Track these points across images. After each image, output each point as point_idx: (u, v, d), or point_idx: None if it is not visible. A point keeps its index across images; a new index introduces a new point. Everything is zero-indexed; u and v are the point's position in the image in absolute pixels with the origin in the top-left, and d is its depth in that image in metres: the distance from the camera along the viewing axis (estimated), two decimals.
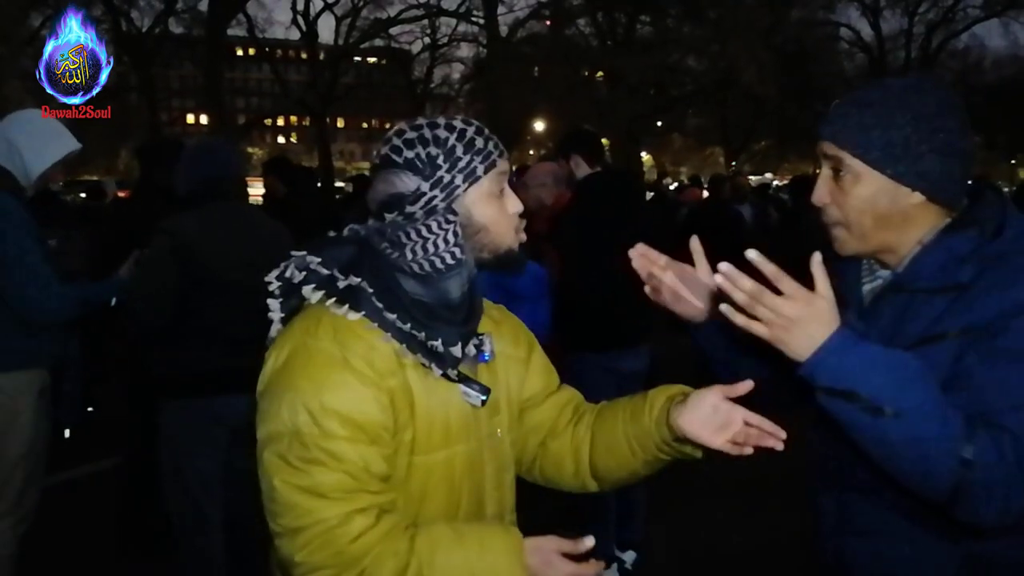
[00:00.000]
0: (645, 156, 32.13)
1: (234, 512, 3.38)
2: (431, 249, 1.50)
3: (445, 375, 1.50)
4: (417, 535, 1.39)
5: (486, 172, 1.51)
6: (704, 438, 1.52)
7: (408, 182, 1.49)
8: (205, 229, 3.18)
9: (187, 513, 3.29)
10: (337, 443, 1.38)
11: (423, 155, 1.49)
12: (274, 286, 1.53)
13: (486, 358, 1.63)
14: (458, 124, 1.53)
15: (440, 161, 1.48)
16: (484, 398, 1.55)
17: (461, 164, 1.49)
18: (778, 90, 24.61)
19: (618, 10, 26.91)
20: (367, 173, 14.06)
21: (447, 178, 1.49)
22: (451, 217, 1.50)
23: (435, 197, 1.49)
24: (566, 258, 3.92)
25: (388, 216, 1.51)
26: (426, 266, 1.50)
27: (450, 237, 1.50)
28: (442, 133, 1.50)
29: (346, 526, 1.36)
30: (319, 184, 16.01)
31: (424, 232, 1.50)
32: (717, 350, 1.83)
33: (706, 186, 12.02)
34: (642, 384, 3.91)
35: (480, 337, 1.61)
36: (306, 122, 40.65)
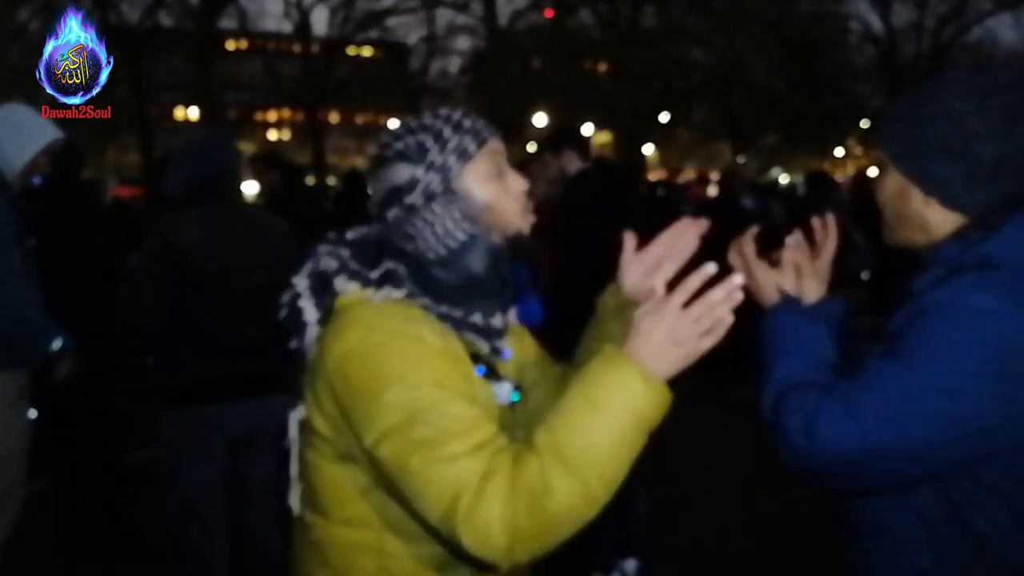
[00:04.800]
0: (650, 151, 31.75)
1: (237, 520, 3.32)
2: (440, 232, 1.50)
3: (488, 373, 1.52)
4: (538, 433, 1.33)
5: (478, 148, 1.52)
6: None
7: (402, 172, 1.50)
8: (200, 231, 3.09)
9: (187, 522, 3.20)
10: (454, 405, 1.35)
11: (412, 143, 1.50)
12: (303, 285, 1.51)
13: (507, 356, 1.62)
14: (444, 112, 1.56)
15: (429, 145, 1.50)
16: (516, 394, 1.58)
17: (451, 145, 1.50)
18: (786, 83, 24.50)
19: (622, 0, 26.63)
20: (358, 168, 13.50)
21: (439, 160, 1.49)
22: (451, 197, 1.50)
23: (431, 181, 1.50)
24: (559, 256, 3.89)
25: (390, 214, 1.52)
26: (441, 250, 1.50)
27: (456, 214, 1.50)
28: (428, 121, 1.53)
29: (488, 468, 1.30)
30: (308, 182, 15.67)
31: (429, 217, 1.50)
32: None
33: (717, 181, 11.77)
34: None
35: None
36: (299, 117, 40.13)
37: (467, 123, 1.53)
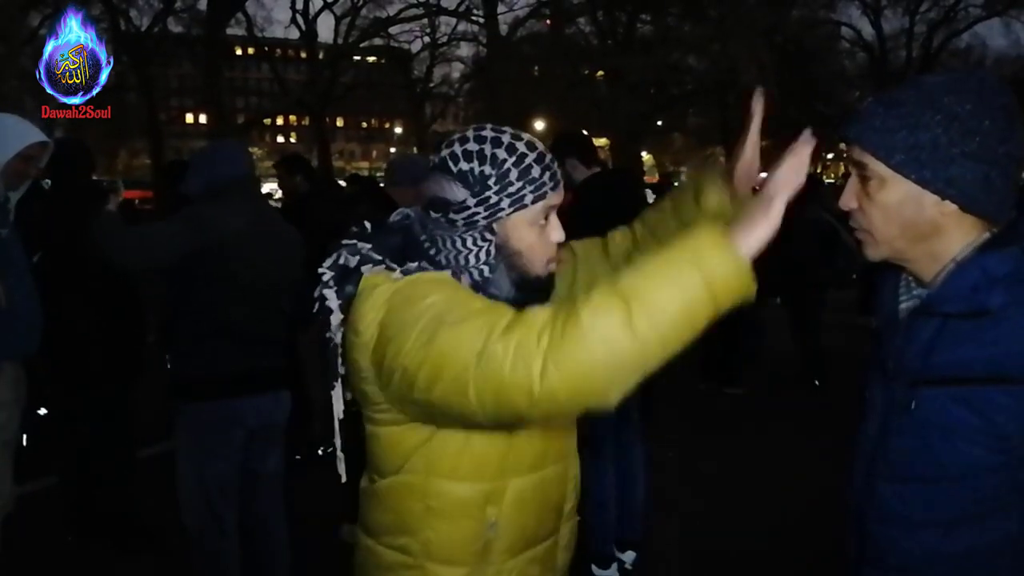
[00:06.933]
0: (646, 156, 32.02)
1: (250, 515, 3.35)
2: (462, 262, 1.54)
3: None
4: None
5: (534, 202, 1.53)
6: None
7: (457, 192, 1.52)
8: (234, 223, 3.13)
9: (201, 516, 3.21)
10: (479, 301, 1.41)
11: (476, 172, 1.51)
12: (328, 276, 1.55)
13: None
14: (520, 147, 1.53)
15: (491, 182, 1.51)
16: None
17: (511, 189, 1.51)
18: (779, 90, 24.57)
19: (618, 9, 26.88)
20: (361, 173, 13.78)
21: (494, 199, 1.51)
22: (488, 236, 1.53)
23: (478, 214, 1.52)
24: None
25: (434, 214, 1.55)
26: (464, 277, 1.54)
27: (482, 255, 1.54)
28: (501, 154, 1.51)
29: (515, 317, 1.30)
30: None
31: (459, 244, 1.54)
32: None
33: None
34: (650, 386, 3.94)
35: None
36: (305, 121, 40.53)
37: (535, 171, 1.52)
